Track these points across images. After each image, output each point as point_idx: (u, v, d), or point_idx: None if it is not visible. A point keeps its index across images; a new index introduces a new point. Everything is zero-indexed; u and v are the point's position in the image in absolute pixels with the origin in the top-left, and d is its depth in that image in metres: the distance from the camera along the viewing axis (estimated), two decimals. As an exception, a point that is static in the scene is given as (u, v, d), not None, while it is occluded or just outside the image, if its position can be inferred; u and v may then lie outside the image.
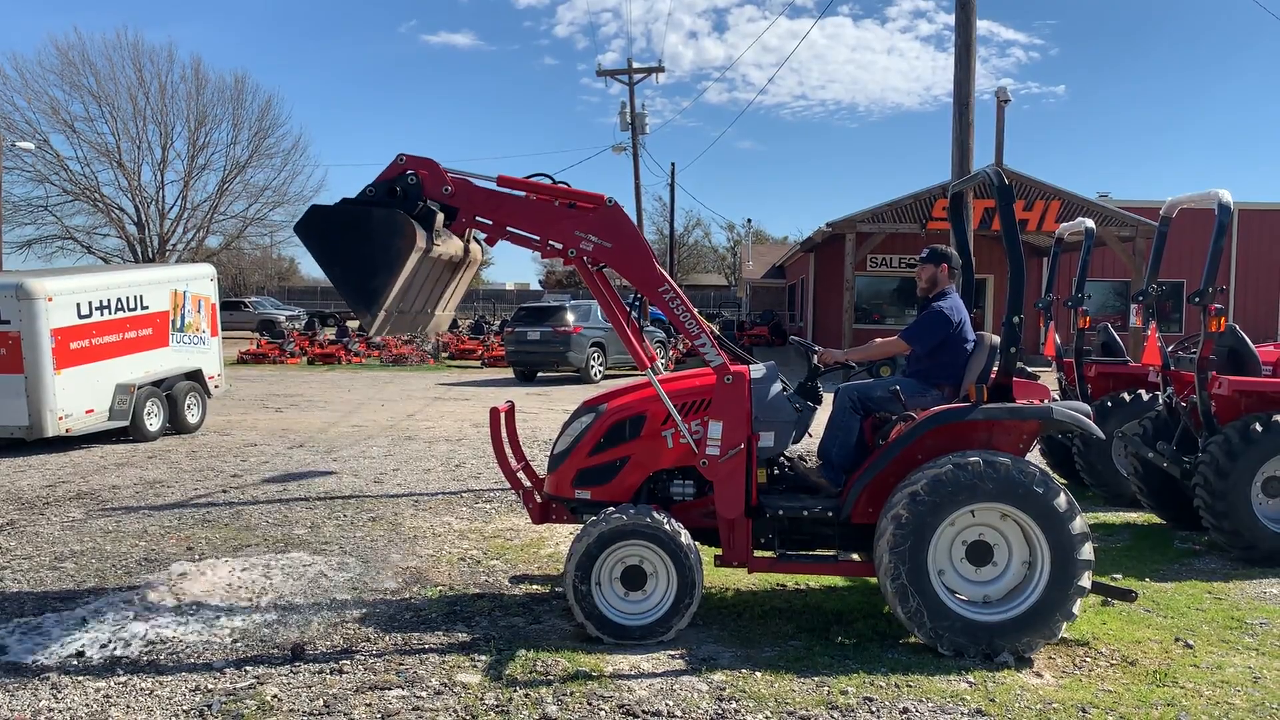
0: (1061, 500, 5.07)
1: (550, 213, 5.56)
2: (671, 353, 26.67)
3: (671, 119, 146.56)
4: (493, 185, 5.62)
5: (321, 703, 4.53)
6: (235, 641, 5.39)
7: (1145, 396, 9.22)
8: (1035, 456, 10.07)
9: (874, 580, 5.54)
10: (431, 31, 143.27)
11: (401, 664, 5.01)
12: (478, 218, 5.58)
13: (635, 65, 37.63)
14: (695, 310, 5.60)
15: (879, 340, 6.16)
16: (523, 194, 5.59)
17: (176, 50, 46.05)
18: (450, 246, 5.82)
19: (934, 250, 6.14)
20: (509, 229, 5.59)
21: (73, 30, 55.89)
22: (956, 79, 13.61)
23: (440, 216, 5.51)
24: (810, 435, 5.97)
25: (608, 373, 23.27)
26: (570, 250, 5.49)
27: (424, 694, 4.64)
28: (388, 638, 5.44)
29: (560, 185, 5.77)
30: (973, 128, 13.55)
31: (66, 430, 12.29)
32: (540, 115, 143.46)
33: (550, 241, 5.54)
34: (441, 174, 5.46)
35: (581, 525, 5.55)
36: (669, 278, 5.59)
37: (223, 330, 16.22)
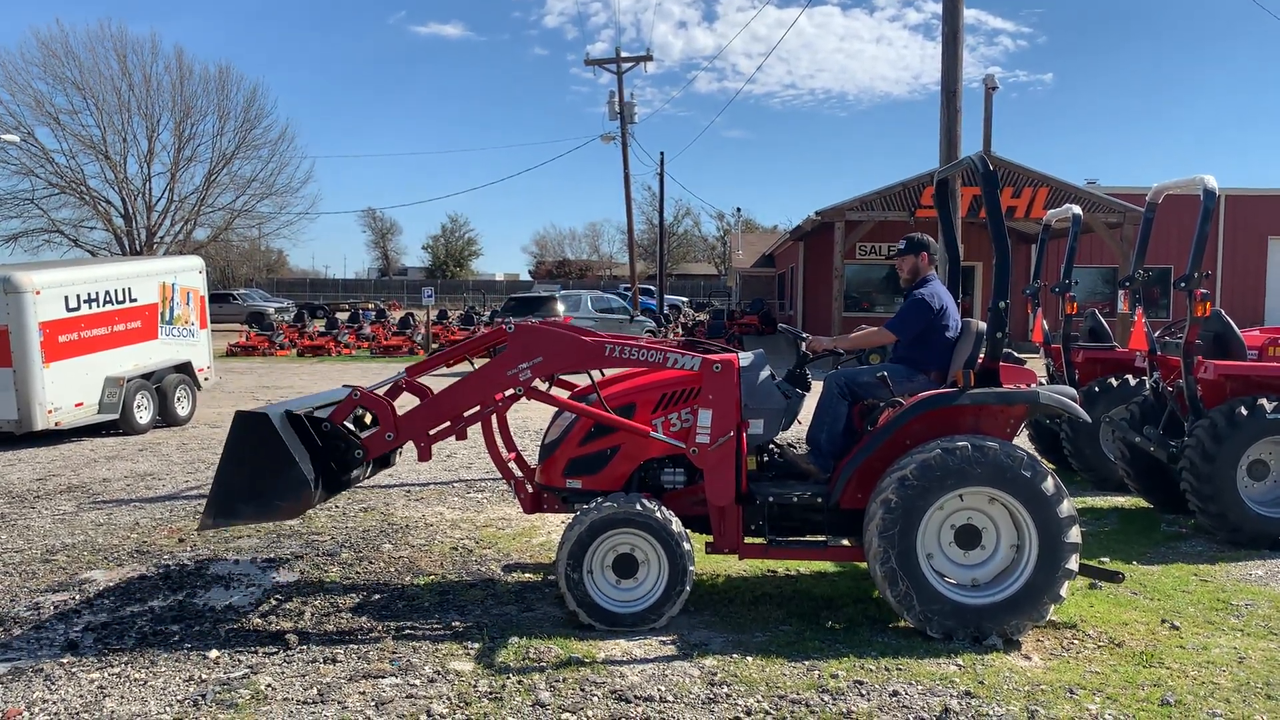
0: (1049, 484, 5.11)
1: (480, 378, 5.66)
2: (673, 335, 26.67)
3: (661, 108, 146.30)
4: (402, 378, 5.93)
5: (315, 691, 4.55)
6: (229, 631, 5.41)
7: (1132, 381, 9.28)
8: (1024, 441, 10.13)
9: (863, 565, 5.59)
10: (420, 22, 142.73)
11: (395, 652, 5.03)
12: (430, 433, 5.71)
13: (624, 54, 37.43)
14: (644, 339, 5.73)
15: (866, 330, 6.20)
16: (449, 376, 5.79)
17: (160, 42, 45.30)
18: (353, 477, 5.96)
19: (911, 240, 6.16)
20: (463, 418, 5.76)
21: (55, 23, 55.10)
22: (944, 67, 13.61)
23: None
24: (800, 422, 6.01)
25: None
26: (518, 389, 5.61)
27: (418, 682, 4.66)
28: (381, 626, 5.46)
29: (464, 344, 6.15)
30: (960, 115, 13.53)
31: (56, 423, 12.26)
32: (530, 105, 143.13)
33: (500, 397, 5.74)
34: (387, 414, 5.59)
35: (573, 514, 5.57)
36: (604, 336, 5.74)
37: (211, 323, 16.18)
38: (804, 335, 6.04)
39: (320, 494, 5.53)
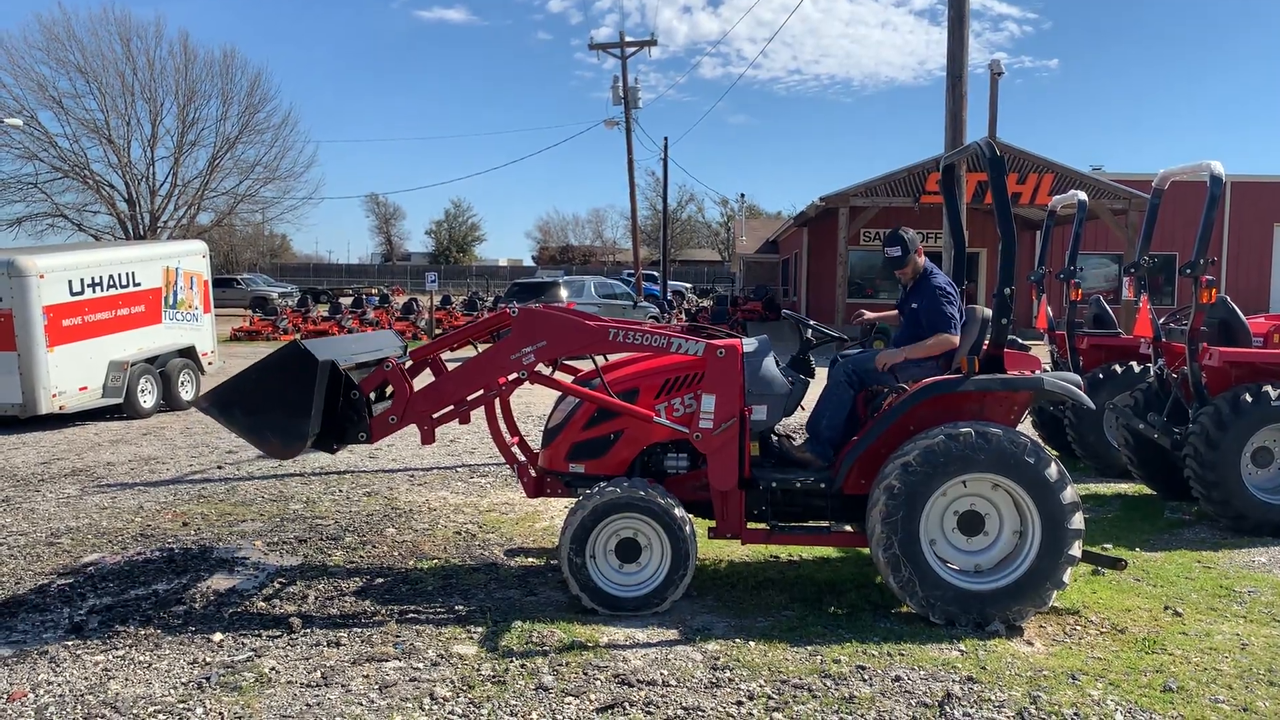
0: (1052, 470, 5.11)
1: (483, 362, 5.65)
2: (676, 321, 26.66)
3: (665, 93, 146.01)
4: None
5: (319, 675, 4.56)
6: (232, 614, 5.42)
7: (1136, 368, 9.26)
8: (1027, 428, 10.12)
9: (866, 551, 5.59)
10: (425, 6, 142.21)
11: (398, 636, 5.05)
12: (434, 416, 5.69)
13: (628, 39, 37.29)
14: (647, 324, 5.66)
15: (930, 341, 5.77)
16: (454, 363, 5.76)
17: (164, 25, 45.11)
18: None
19: (903, 241, 5.98)
20: (466, 401, 5.72)
21: (57, 6, 54.87)
22: (950, 52, 13.53)
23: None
24: (802, 408, 5.99)
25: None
26: (522, 372, 5.58)
27: (421, 665, 4.67)
28: (384, 610, 5.47)
29: (467, 328, 6.11)
30: (966, 100, 13.46)
31: (60, 407, 12.28)
32: (534, 90, 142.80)
33: (504, 380, 5.69)
34: (404, 397, 5.59)
35: (576, 499, 5.58)
36: (607, 321, 5.72)
37: (215, 307, 16.19)
38: (875, 350, 5.94)
39: (306, 450, 5.61)
